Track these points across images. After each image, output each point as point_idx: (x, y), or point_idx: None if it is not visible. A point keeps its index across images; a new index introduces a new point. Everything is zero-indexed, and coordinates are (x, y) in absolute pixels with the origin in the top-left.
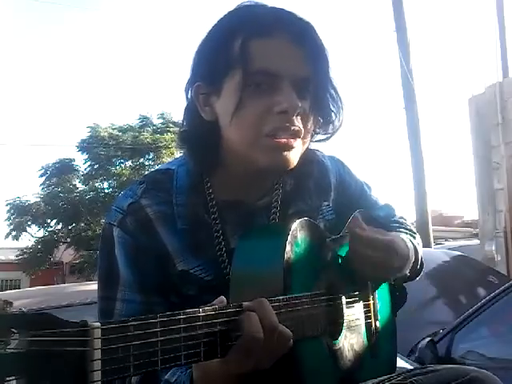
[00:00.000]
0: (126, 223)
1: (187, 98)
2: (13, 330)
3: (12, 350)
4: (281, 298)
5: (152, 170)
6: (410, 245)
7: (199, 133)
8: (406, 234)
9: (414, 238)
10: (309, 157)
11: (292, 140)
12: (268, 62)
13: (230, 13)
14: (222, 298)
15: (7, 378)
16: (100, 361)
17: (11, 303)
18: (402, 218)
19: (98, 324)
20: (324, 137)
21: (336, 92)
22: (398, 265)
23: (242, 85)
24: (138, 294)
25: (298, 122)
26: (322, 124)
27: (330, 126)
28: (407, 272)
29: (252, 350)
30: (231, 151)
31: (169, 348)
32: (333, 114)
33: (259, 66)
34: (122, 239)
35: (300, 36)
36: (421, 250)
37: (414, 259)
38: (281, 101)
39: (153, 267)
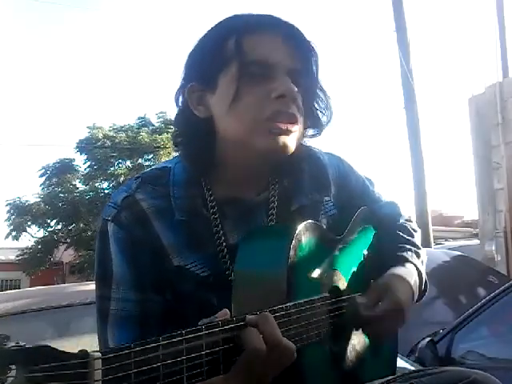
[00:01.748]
0: (121, 218)
1: (177, 104)
2: (10, 366)
3: None
4: (284, 306)
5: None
6: (415, 278)
7: (194, 132)
8: (411, 252)
9: (419, 255)
10: (303, 152)
11: (290, 125)
12: (262, 54)
13: (220, 22)
14: (226, 311)
15: None
16: None
17: (8, 337)
18: (408, 220)
19: (99, 354)
20: (313, 132)
21: (324, 91)
22: (409, 310)
23: (238, 75)
24: (133, 291)
25: (294, 107)
26: (312, 119)
27: (319, 122)
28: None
29: (255, 365)
30: (228, 144)
31: (171, 371)
32: (322, 111)
33: (254, 57)
34: (116, 234)
35: (288, 34)
36: (424, 268)
37: (418, 290)
38: (277, 87)
39: (148, 262)
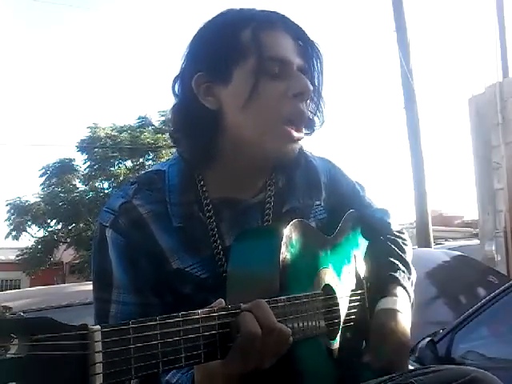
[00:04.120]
0: (119, 224)
1: (174, 92)
2: (12, 335)
3: (12, 356)
4: (277, 298)
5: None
6: (407, 304)
7: (200, 122)
8: (404, 274)
9: (410, 275)
10: (299, 155)
11: (303, 129)
12: (278, 50)
13: (231, 10)
14: (221, 300)
15: None
16: (101, 364)
17: (10, 308)
18: (400, 232)
19: (98, 327)
20: (306, 132)
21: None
22: (409, 340)
23: (256, 70)
24: (133, 295)
25: (306, 107)
26: (309, 120)
27: (313, 124)
28: None
29: (251, 349)
30: (236, 140)
31: (169, 350)
32: (319, 112)
33: (271, 53)
34: (115, 240)
35: (296, 33)
36: (412, 290)
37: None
38: (295, 84)
39: (147, 267)
